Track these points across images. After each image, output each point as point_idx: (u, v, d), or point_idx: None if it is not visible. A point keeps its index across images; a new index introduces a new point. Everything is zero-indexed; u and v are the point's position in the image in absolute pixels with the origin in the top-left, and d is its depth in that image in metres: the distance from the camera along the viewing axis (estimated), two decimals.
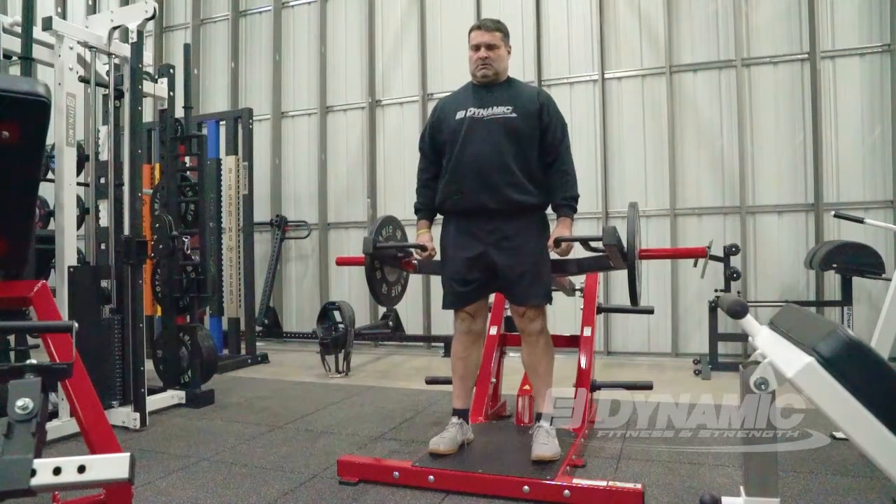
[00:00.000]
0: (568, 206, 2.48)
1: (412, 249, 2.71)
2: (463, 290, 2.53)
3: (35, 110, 1.39)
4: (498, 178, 2.41)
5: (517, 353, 3.01)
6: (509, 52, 2.62)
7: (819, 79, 4.79)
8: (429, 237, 2.62)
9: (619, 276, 5.22)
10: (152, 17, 3.33)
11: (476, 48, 2.52)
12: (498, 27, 2.55)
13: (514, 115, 2.46)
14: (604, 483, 2.12)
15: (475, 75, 2.56)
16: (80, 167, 3.37)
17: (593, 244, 2.50)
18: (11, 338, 3.20)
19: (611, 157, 5.34)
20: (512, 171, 2.42)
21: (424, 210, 2.66)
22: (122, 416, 3.15)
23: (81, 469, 0.90)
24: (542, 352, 2.53)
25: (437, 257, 2.64)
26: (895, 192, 4.64)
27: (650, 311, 3.56)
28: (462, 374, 2.60)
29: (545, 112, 2.51)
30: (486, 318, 2.69)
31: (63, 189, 3.09)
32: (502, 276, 2.46)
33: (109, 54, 3.35)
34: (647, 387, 3.00)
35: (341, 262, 3.34)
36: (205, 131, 5.20)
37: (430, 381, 3.39)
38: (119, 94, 3.40)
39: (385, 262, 2.76)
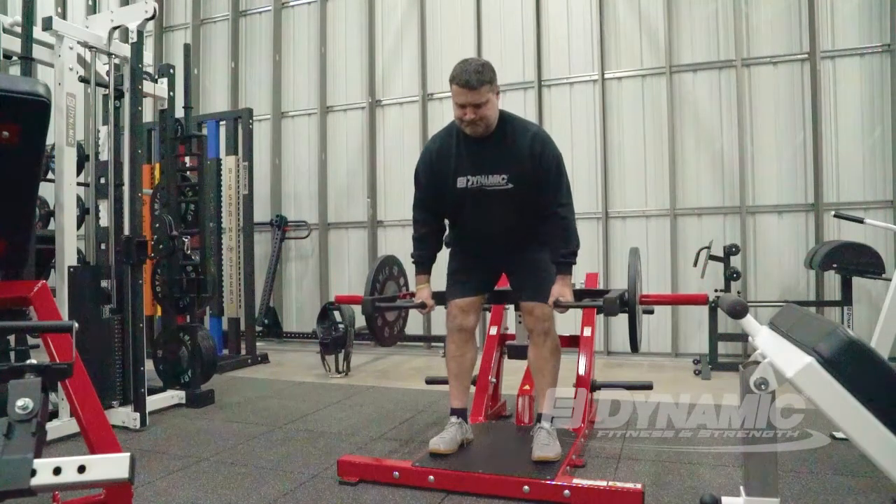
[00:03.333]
0: (566, 262, 2.44)
1: (413, 309, 2.69)
2: (464, 282, 2.58)
3: (35, 110, 1.39)
4: (507, 238, 2.52)
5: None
6: (498, 95, 2.39)
7: (819, 79, 4.79)
8: (428, 293, 2.60)
9: (619, 276, 5.23)
10: (152, 17, 3.32)
11: (462, 107, 2.31)
12: (482, 80, 2.27)
13: (509, 185, 2.39)
14: (604, 483, 2.12)
15: (463, 130, 2.39)
16: (80, 167, 3.38)
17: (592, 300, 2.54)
18: (11, 338, 3.20)
19: (611, 157, 5.34)
20: (519, 229, 2.49)
21: (423, 265, 2.62)
22: (122, 416, 3.15)
23: (81, 469, 0.90)
24: (549, 353, 2.53)
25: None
26: (895, 192, 4.65)
27: (650, 312, 3.56)
28: (457, 373, 2.60)
29: (540, 161, 2.38)
30: (478, 317, 2.69)
31: (63, 189, 3.09)
32: (512, 275, 2.55)
33: (109, 54, 3.35)
34: (647, 387, 3.01)
35: (340, 300, 3.42)
36: (205, 131, 5.20)
37: (430, 381, 3.40)
38: (119, 94, 3.40)
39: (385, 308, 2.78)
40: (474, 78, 2.25)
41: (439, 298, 2.65)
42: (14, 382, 1.00)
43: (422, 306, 2.58)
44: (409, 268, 2.80)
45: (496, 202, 2.42)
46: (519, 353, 2.89)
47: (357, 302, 2.75)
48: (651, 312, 3.57)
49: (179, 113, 4.00)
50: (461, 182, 2.42)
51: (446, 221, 2.68)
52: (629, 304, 2.42)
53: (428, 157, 2.53)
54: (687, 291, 5.07)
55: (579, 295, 2.64)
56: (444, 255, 2.71)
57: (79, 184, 3.37)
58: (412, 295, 2.72)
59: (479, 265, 2.61)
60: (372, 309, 2.62)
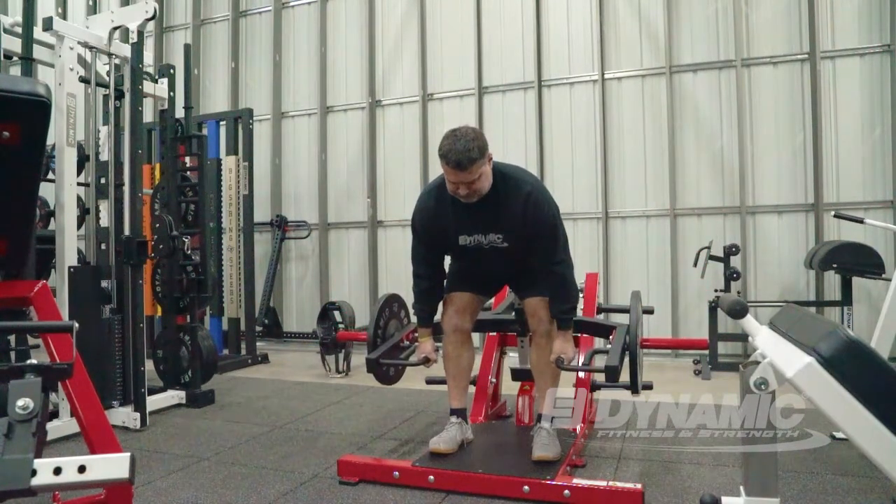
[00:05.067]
0: (565, 318, 2.44)
1: (416, 363, 2.69)
2: (463, 279, 2.61)
3: (35, 110, 1.39)
4: (510, 275, 2.63)
5: (517, 353, 3.02)
6: (490, 160, 2.31)
7: (819, 79, 4.79)
8: (431, 347, 2.61)
9: (619, 276, 5.23)
10: (152, 18, 3.33)
11: (454, 185, 2.27)
12: (472, 158, 2.18)
13: (505, 244, 2.41)
14: (604, 483, 2.12)
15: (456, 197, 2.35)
16: (80, 167, 3.37)
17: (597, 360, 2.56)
18: (12, 338, 3.20)
19: (611, 157, 5.33)
20: (524, 272, 2.53)
21: (425, 319, 2.62)
22: (123, 416, 3.15)
23: (82, 469, 0.90)
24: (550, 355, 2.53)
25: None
26: (895, 192, 4.64)
27: (650, 312, 3.55)
28: (455, 373, 2.60)
29: (534, 224, 2.35)
30: (475, 318, 2.69)
31: (63, 189, 3.09)
32: (517, 275, 2.58)
33: (110, 54, 3.35)
34: (647, 387, 3.00)
35: (343, 337, 3.53)
36: (205, 131, 5.21)
37: (430, 382, 3.38)
38: (119, 95, 3.40)
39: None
40: (464, 158, 2.17)
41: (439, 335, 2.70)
42: (14, 382, 1.00)
43: (425, 361, 2.60)
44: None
45: (495, 256, 2.45)
46: (523, 375, 2.91)
47: (359, 339, 2.83)
48: (651, 312, 3.58)
49: (179, 113, 4.00)
50: (462, 240, 2.44)
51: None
52: (631, 349, 2.43)
53: (425, 213, 2.48)
54: (687, 292, 5.08)
55: (582, 327, 2.76)
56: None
57: (79, 184, 3.37)
58: (415, 331, 2.74)
59: (482, 273, 2.64)
60: (377, 367, 2.67)
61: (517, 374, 2.98)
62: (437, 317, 2.67)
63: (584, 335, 3.01)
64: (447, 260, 2.71)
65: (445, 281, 2.65)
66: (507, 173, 2.38)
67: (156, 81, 3.80)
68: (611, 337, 2.74)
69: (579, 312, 3.20)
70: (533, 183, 2.42)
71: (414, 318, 2.80)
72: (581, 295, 3.27)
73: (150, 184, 4.61)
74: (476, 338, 3.16)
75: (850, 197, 4.77)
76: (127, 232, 3.25)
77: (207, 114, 6.03)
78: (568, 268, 2.43)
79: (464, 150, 2.18)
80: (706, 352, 4.49)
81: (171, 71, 3.86)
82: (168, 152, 3.89)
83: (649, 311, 3.54)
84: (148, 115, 4.23)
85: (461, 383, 2.62)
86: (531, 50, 5.55)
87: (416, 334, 2.67)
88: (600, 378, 3.10)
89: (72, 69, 3.10)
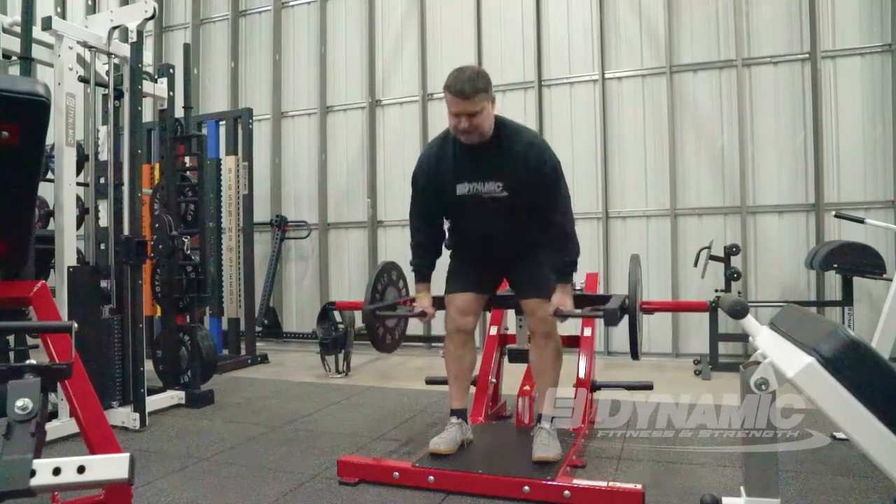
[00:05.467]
0: (567, 271, 2.44)
1: (413, 318, 2.69)
2: (463, 278, 2.58)
3: (35, 110, 1.38)
4: (508, 243, 2.50)
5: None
6: (493, 102, 2.34)
7: (820, 79, 4.78)
8: (428, 302, 2.60)
9: (619, 276, 5.22)
10: (152, 17, 3.32)
11: (456, 116, 2.28)
12: (476, 89, 2.23)
13: (504, 193, 2.37)
14: (604, 483, 2.12)
15: (458, 138, 2.37)
16: (79, 167, 3.37)
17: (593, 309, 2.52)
18: (11, 338, 3.20)
19: (611, 157, 5.33)
20: (520, 234, 2.47)
21: (422, 273, 2.61)
22: (122, 416, 3.15)
23: (81, 469, 0.89)
24: (552, 355, 2.53)
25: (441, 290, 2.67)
26: None
27: (650, 312, 3.55)
28: (457, 374, 2.60)
29: (535, 172, 2.35)
30: (477, 319, 2.69)
31: (63, 189, 3.09)
32: (514, 275, 2.56)
33: (109, 54, 3.35)
34: (648, 387, 3.00)
35: (341, 306, 3.43)
36: (205, 131, 5.20)
37: (430, 382, 3.39)
38: (119, 94, 3.40)
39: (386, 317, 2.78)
40: (468, 86, 2.22)
41: (440, 304, 2.64)
42: (13, 383, 1.00)
43: (422, 315, 2.59)
44: (409, 271, 2.78)
45: (494, 209, 2.41)
46: (520, 357, 2.89)
47: (358, 308, 2.77)
48: (651, 312, 3.58)
49: (179, 113, 4.00)
50: (461, 189, 2.42)
51: (446, 225, 2.68)
52: (630, 312, 2.42)
53: (425, 163, 2.51)
54: (687, 292, 5.08)
55: (580, 301, 2.64)
56: (443, 262, 2.70)
57: (78, 184, 3.37)
58: (413, 301, 2.72)
59: (480, 267, 2.61)
60: (373, 318, 2.63)
61: (514, 356, 2.95)
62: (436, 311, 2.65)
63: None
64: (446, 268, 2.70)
65: (445, 281, 2.65)
66: (508, 124, 2.41)
67: (155, 81, 3.80)
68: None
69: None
70: (535, 134, 2.50)
71: (413, 293, 2.80)
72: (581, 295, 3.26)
73: (150, 184, 4.61)
74: (476, 338, 3.16)
75: (850, 197, 4.76)
76: (126, 232, 3.25)
77: (207, 113, 6.02)
78: (570, 221, 2.43)
79: (468, 79, 2.23)
80: (706, 352, 4.50)
81: (171, 70, 3.86)
82: (168, 152, 3.89)
83: (649, 312, 3.54)
84: (147, 115, 4.23)
85: (463, 384, 2.62)
86: (531, 49, 5.55)
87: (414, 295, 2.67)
88: (600, 378, 3.12)
89: (71, 69, 3.10)
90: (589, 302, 2.79)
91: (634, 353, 2.47)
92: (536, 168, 2.34)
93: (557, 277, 2.43)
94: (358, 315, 5.02)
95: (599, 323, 4.72)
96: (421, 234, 2.58)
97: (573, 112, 5.43)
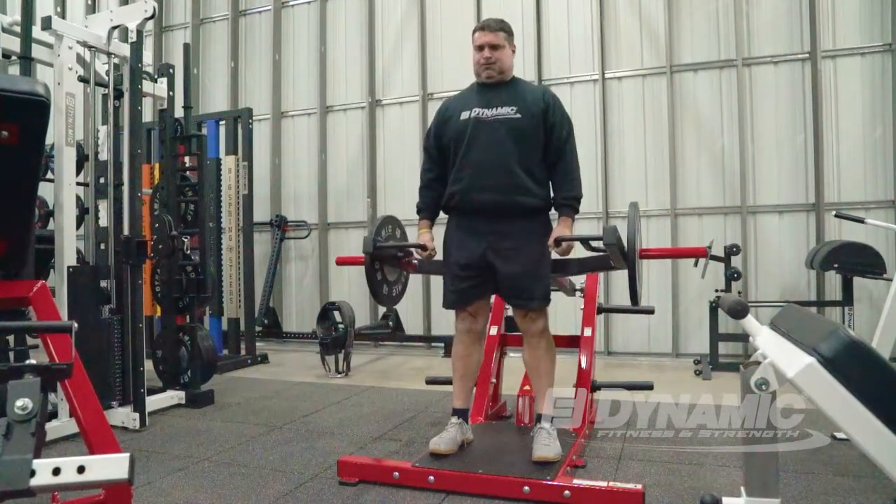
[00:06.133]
0: (569, 205, 2.47)
1: (413, 249, 2.70)
2: (464, 288, 2.53)
3: (35, 110, 1.38)
4: (502, 181, 2.42)
5: (517, 353, 3.01)
6: (514, 51, 2.62)
7: (820, 78, 4.78)
8: (429, 237, 2.61)
9: (620, 277, 5.21)
10: (152, 17, 3.32)
11: (480, 48, 2.52)
12: (502, 27, 2.54)
13: (518, 115, 2.45)
14: (604, 483, 2.12)
15: (479, 75, 2.56)
16: (79, 167, 3.37)
17: (594, 244, 2.49)
18: (11, 338, 3.20)
19: (611, 157, 5.33)
20: (516, 173, 2.42)
21: (426, 210, 2.65)
22: (122, 416, 3.15)
23: (81, 469, 0.89)
24: (544, 353, 2.53)
25: (438, 256, 2.64)
26: None
27: (651, 312, 3.56)
28: (462, 373, 2.59)
29: (550, 112, 2.48)
30: (487, 317, 2.69)
31: (63, 189, 3.09)
32: (500, 278, 2.47)
33: (109, 54, 3.35)
34: (648, 387, 3.00)
35: (341, 261, 3.33)
36: (204, 131, 5.20)
37: (430, 382, 3.39)
38: (118, 94, 3.39)
39: (385, 261, 2.75)
40: (494, 22, 2.54)
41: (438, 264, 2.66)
42: (13, 383, 1.00)
43: (422, 247, 2.59)
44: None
45: (499, 131, 2.43)
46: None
47: (360, 263, 2.74)
48: (651, 312, 3.58)
49: (179, 113, 4.00)
50: (464, 115, 2.50)
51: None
52: (629, 257, 2.37)
53: (443, 107, 2.66)
54: (687, 292, 5.08)
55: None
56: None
57: (78, 184, 3.36)
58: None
59: (473, 258, 2.47)
60: (373, 247, 2.60)
61: (513, 324, 2.89)
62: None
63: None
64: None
65: (444, 285, 2.62)
66: (525, 81, 2.67)
67: (155, 81, 3.80)
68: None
69: (579, 313, 3.22)
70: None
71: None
72: (581, 295, 3.26)
73: (150, 184, 4.61)
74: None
75: (851, 197, 4.76)
76: (126, 232, 3.25)
77: (207, 113, 6.02)
78: (577, 167, 2.51)
79: (495, 19, 2.59)
80: (706, 352, 4.50)
81: (171, 70, 3.85)
82: (167, 152, 3.89)
83: (650, 311, 3.54)
84: (147, 115, 4.23)
85: (468, 384, 2.61)
86: (531, 49, 5.55)
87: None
88: (601, 378, 3.11)
89: (71, 69, 3.10)
90: (589, 264, 2.75)
91: (634, 298, 2.42)
92: (554, 108, 2.48)
93: (560, 210, 2.49)
94: (358, 315, 5.03)
95: (599, 323, 4.74)
96: (430, 173, 2.64)
97: (573, 112, 5.34)
